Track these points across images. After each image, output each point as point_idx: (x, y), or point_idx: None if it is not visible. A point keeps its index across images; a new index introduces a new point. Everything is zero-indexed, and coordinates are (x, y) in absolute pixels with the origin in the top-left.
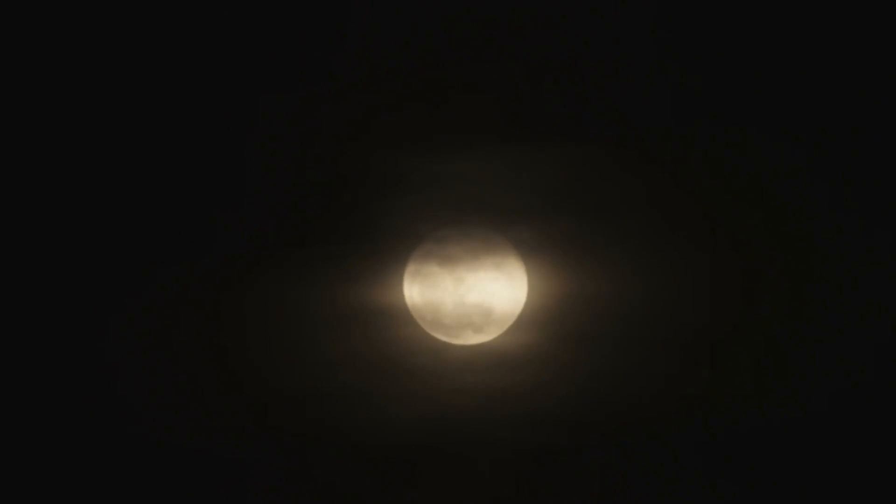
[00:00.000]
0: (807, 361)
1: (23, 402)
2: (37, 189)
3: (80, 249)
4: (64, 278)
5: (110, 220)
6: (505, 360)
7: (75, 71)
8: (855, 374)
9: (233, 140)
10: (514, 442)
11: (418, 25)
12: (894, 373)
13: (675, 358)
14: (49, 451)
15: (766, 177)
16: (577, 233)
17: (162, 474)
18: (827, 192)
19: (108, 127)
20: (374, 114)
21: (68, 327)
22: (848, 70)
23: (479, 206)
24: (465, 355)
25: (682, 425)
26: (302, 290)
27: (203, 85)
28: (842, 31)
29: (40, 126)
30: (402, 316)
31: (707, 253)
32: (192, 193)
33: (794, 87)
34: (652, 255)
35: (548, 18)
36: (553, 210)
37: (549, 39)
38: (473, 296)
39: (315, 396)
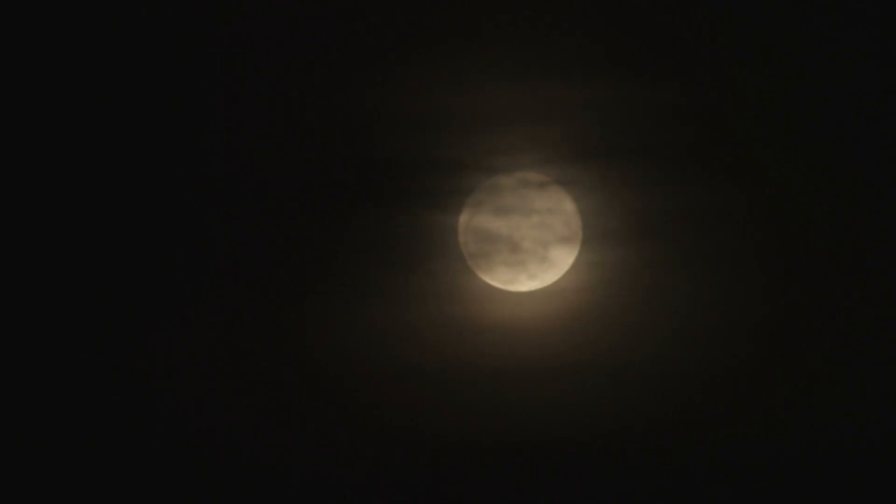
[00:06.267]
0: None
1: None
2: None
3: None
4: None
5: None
6: (559, 306)
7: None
8: None
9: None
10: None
11: None
12: None
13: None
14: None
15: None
16: (634, 181)
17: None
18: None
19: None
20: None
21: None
22: None
23: (535, 152)
24: (520, 301)
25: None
26: (357, 243)
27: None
28: None
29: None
30: (457, 263)
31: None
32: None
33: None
34: (708, 211)
35: None
36: (610, 157)
37: None
38: (528, 243)
39: (371, 343)
